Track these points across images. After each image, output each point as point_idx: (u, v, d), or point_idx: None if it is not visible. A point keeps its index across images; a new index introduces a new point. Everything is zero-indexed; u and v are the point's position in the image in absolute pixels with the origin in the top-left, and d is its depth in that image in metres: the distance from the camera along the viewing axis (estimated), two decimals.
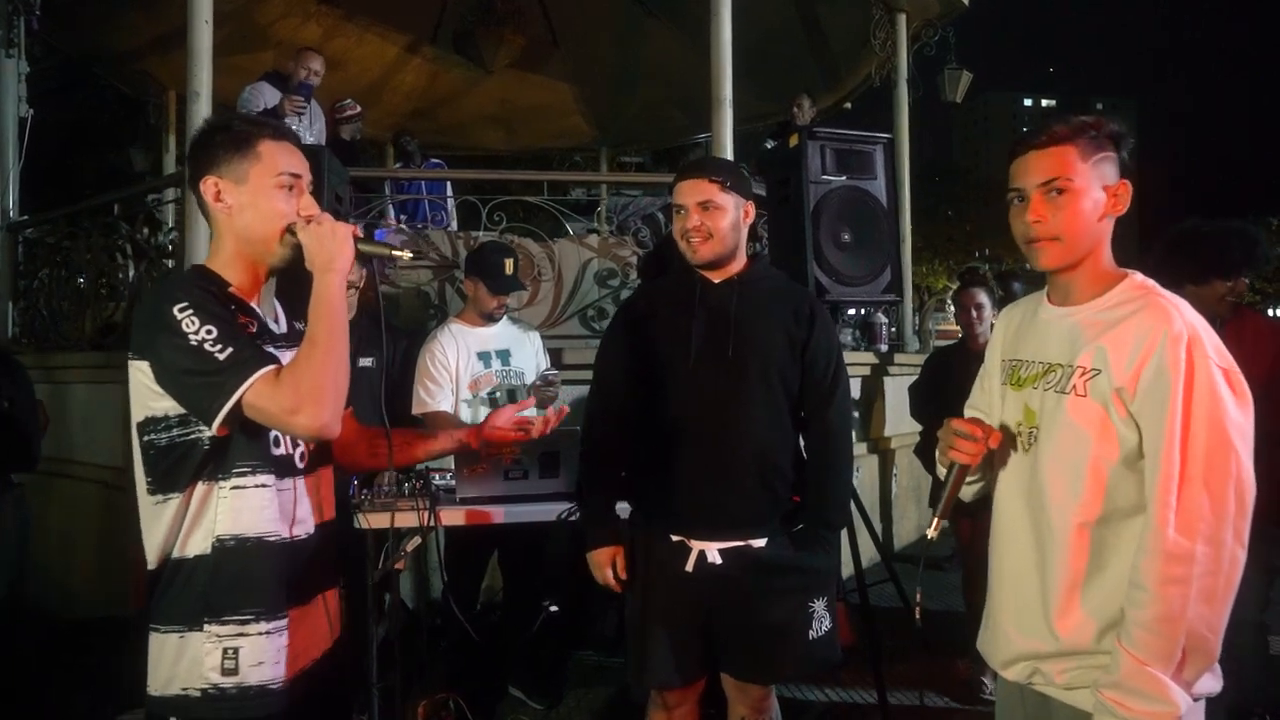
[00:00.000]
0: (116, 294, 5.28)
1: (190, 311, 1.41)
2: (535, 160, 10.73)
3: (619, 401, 2.30)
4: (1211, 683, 1.40)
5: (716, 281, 2.24)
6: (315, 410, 1.39)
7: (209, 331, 1.40)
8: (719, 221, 2.18)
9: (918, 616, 1.68)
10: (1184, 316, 1.40)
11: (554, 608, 3.33)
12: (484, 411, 3.47)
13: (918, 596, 1.69)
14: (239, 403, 1.39)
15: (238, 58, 5.38)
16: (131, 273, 5.22)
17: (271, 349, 1.50)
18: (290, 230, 1.52)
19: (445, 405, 3.39)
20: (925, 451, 4.22)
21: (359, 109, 5.95)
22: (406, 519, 2.61)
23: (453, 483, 2.82)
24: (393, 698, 2.95)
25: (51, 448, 4.77)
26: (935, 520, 1.61)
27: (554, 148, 10.37)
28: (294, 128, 5.07)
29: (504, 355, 3.53)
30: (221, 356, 1.39)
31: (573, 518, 2.82)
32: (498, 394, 3.48)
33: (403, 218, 6.22)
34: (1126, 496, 1.42)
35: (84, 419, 4.84)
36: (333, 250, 1.48)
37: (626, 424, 2.28)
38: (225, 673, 1.45)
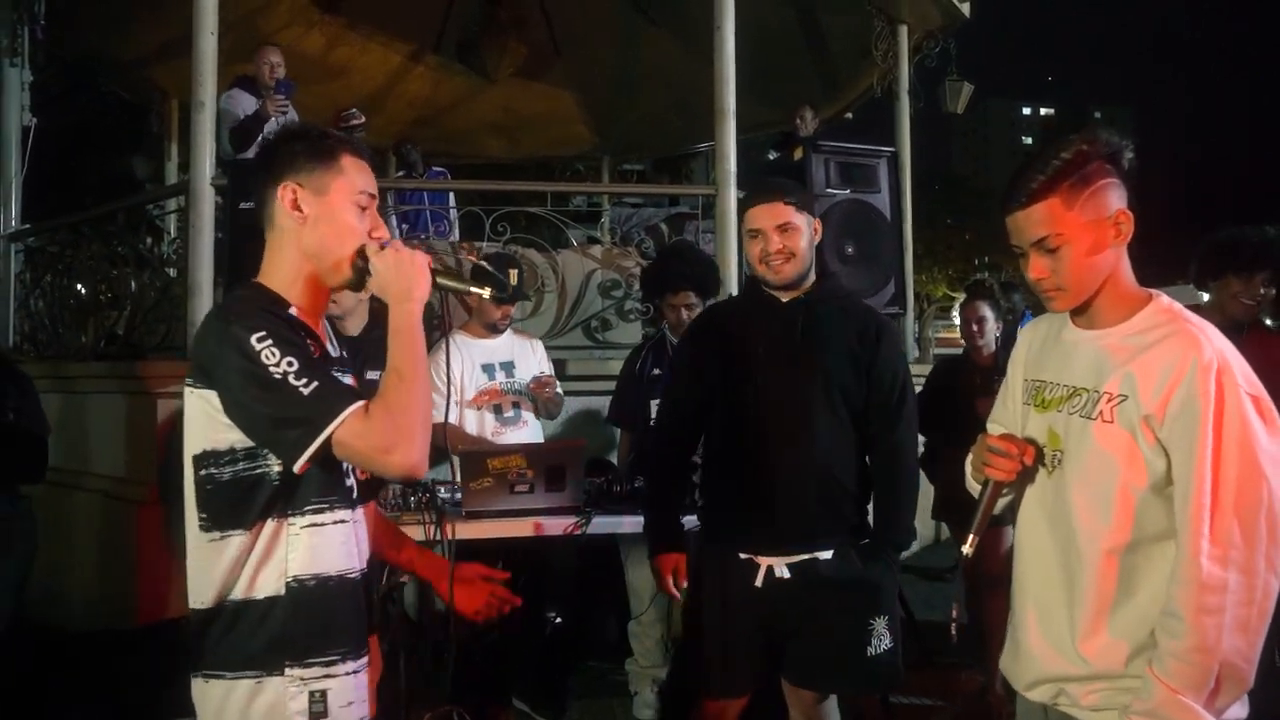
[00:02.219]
0: (119, 303, 5.28)
1: (270, 342, 1.32)
2: (537, 168, 10.74)
3: (686, 415, 2.38)
4: (1238, 710, 1.40)
5: (785, 300, 2.28)
6: (408, 448, 1.33)
7: (290, 364, 1.32)
8: (798, 242, 2.23)
9: (954, 631, 1.68)
10: (1213, 344, 1.38)
11: (558, 619, 3.32)
12: (489, 421, 3.47)
13: (954, 611, 1.69)
14: (328, 441, 1.32)
15: (242, 66, 5.37)
16: (133, 283, 5.22)
17: (337, 374, 1.45)
18: (361, 253, 1.45)
19: (450, 416, 3.39)
20: (928, 462, 4.22)
21: (363, 119, 5.95)
22: (412, 533, 2.60)
23: (458, 496, 2.82)
24: (397, 711, 2.93)
25: (52, 458, 4.76)
26: (971, 538, 1.59)
27: (556, 155, 10.38)
28: (276, 127, 5.04)
29: (508, 366, 3.53)
30: (306, 391, 1.31)
31: (579, 532, 2.83)
32: (502, 405, 3.48)
33: (404, 227, 6.22)
34: (1155, 523, 1.42)
35: (86, 429, 4.83)
36: (410, 280, 1.41)
37: (692, 437, 2.37)
38: (315, 716, 1.38)
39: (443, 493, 2.91)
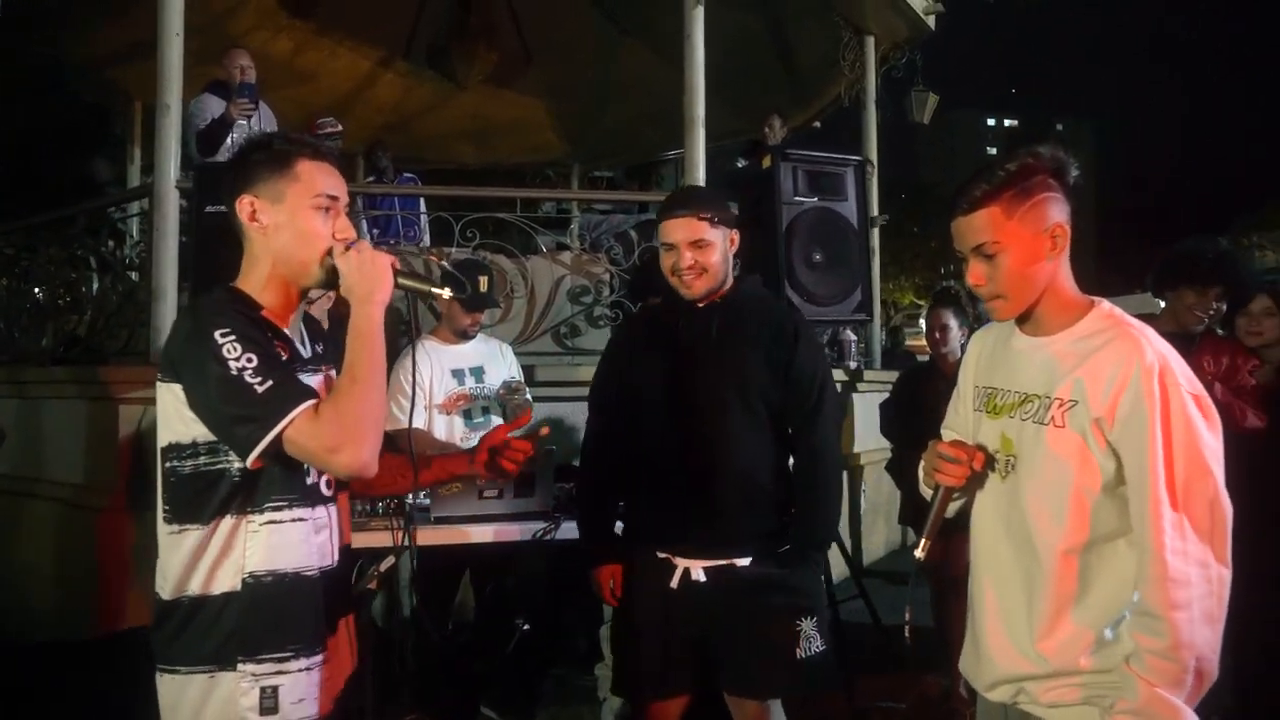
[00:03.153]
0: (79, 307, 5.19)
1: (233, 337, 1.37)
2: (508, 175, 10.72)
3: (610, 423, 2.37)
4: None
5: (700, 306, 2.27)
6: (356, 449, 1.36)
7: (249, 360, 1.36)
8: (710, 257, 2.21)
9: (908, 634, 1.70)
10: (1154, 346, 1.43)
11: (526, 626, 3.31)
12: (459, 426, 3.46)
13: (908, 614, 1.72)
14: (278, 438, 1.35)
15: (208, 70, 5.32)
16: (96, 286, 5.13)
17: (302, 374, 1.49)
18: (328, 254, 1.49)
19: (417, 423, 3.38)
20: (896, 468, 4.27)
21: (339, 127, 5.89)
22: (380, 538, 2.58)
23: (427, 502, 2.81)
24: (365, 717, 2.91)
25: (7, 464, 4.67)
26: (924, 542, 1.63)
27: (527, 162, 10.38)
28: (245, 133, 5.01)
29: (477, 372, 3.52)
30: (260, 389, 1.35)
31: (548, 537, 2.82)
32: (472, 410, 3.47)
33: (374, 232, 6.18)
34: (1108, 523, 1.46)
35: (43, 435, 4.74)
36: (373, 281, 1.45)
37: (620, 444, 2.34)
38: (265, 711, 1.40)
39: (410, 498, 2.89)
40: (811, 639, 2.24)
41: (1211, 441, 1.40)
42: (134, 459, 4.05)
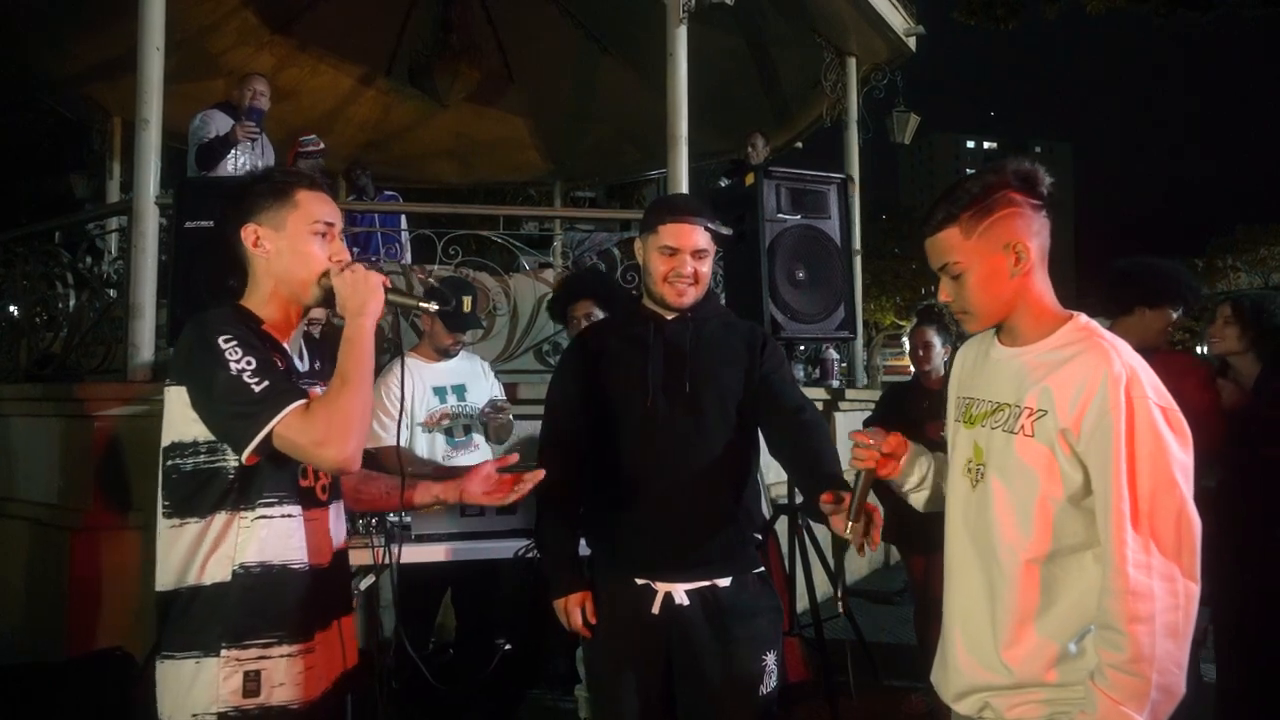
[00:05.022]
0: (55, 324, 5.12)
1: (234, 343, 1.51)
2: (489, 194, 10.73)
3: (571, 440, 2.23)
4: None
5: (670, 319, 2.21)
6: (341, 444, 1.48)
7: (249, 363, 1.50)
8: (706, 268, 2.18)
9: (840, 600, 1.68)
10: (1123, 358, 1.43)
11: (508, 647, 3.27)
12: (440, 443, 3.42)
13: (838, 593, 1.74)
14: (270, 433, 1.47)
15: (188, 85, 5.31)
16: (72, 302, 5.07)
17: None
18: (325, 275, 1.64)
19: (398, 440, 3.35)
20: (879, 485, 4.27)
21: (321, 145, 5.88)
22: (360, 556, 2.55)
23: (408, 519, 2.77)
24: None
25: None
26: (850, 524, 1.65)
27: (509, 181, 10.39)
28: (246, 155, 5.03)
29: (459, 390, 3.50)
30: (257, 388, 1.48)
31: (530, 554, 2.79)
32: (453, 428, 3.45)
33: (355, 250, 6.15)
34: (1074, 534, 1.45)
35: (16, 452, 4.66)
36: (365, 297, 1.60)
37: (580, 463, 2.22)
38: (247, 694, 1.50)
39: (392, 516, 2.86)
40: (772, 674, 2.17)
41: (1180, 455, 1.39)
42: (109, 477, 3.99)
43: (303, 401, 1.50)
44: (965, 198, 1.51)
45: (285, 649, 1.54)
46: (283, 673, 1.53)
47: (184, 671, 1.51)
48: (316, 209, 1.66)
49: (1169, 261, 3.15)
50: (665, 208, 2.23)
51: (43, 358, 5.00)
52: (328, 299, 1.65)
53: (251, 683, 1.50)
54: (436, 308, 1.74)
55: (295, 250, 1.64)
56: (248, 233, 1.64)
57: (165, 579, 1.55)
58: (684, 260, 2.15)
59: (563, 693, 3.79)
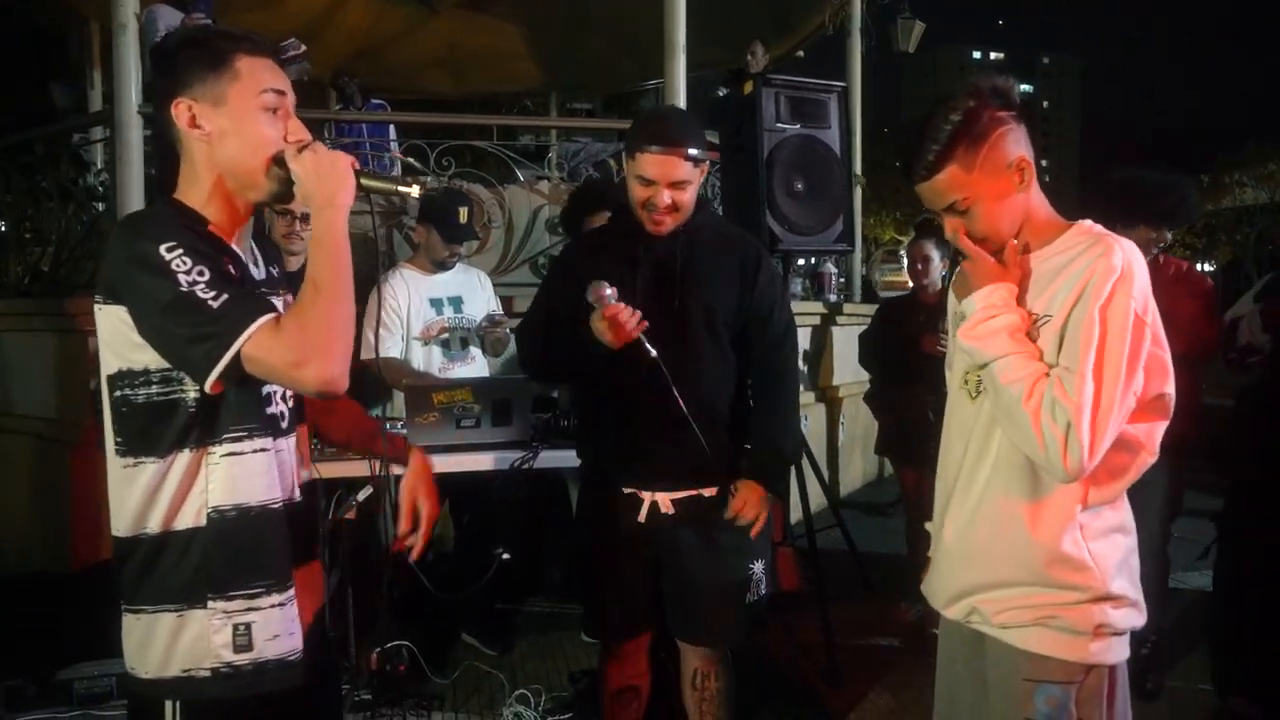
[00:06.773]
0: (43, 239, 5.05)
1: (180, 251, 1.24)
2: (484, 105, 10.47)
3: (554, 353, 2.25)
4: (1136, 618, 1.48)
5: (663, 233, 2.16)
6: (323, 362, 1.25)
7: (201, 274, 1.24)
8: (686, 197, 2.09)
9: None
10: (1125, 254, 1.40)
11: (506, 556, 3.33)
12: (437, 356, 3.42)
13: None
14: (237, 356, 1.23)
15: None
16: (60, 219, 4.98)
17: None
18: (278, 160, 1.34)
19: (395, 351, 3.34)
20: (875, 399, 4.29)
21: (303, 49, 5.67)
22: (357, 468, 2.57)
23: (404, 431, 2.78)
24: (346, 647, 2.93)
25: None
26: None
27: (503, 92, 10.12)
28: None
29: (456, 302, 3.47)
30: (215, 305, 1.23)
31: (527, 465, 2.81)
32: (450, 340, 3.44)
33: None
34: None
35: (10, 369, 4.66)
36: (333, 184, 1.32)
37: (552, 350, 2.27)
38: (238, 649, 1.34)
39: (388, 428, 2.86)
40: (760, 583, 2.22)
41: (1134, 366, 1.37)
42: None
43: (271, 316, 1.26)
44: (951, 130, 1.45)
45: (275, 597, 1.37)
46: (275, 623, 1.37)
47: (162, 626, 1.33)
48: (263, 75, 1.34)
49: (1161, 176, 3.04)
50: (645, 133, 2.09)
51: (33, 273, 4.95)
52: (285, 191, 1.35)
53: (242, 636, 1.34)
54: (419, 192, 1.46)
55: (241, 131, 1.33)
56: (180, 110, 1.33)
57: (121, 524, 1.35)
58: (660, 192, 2.06)
59: (560, 601, 3.87)
